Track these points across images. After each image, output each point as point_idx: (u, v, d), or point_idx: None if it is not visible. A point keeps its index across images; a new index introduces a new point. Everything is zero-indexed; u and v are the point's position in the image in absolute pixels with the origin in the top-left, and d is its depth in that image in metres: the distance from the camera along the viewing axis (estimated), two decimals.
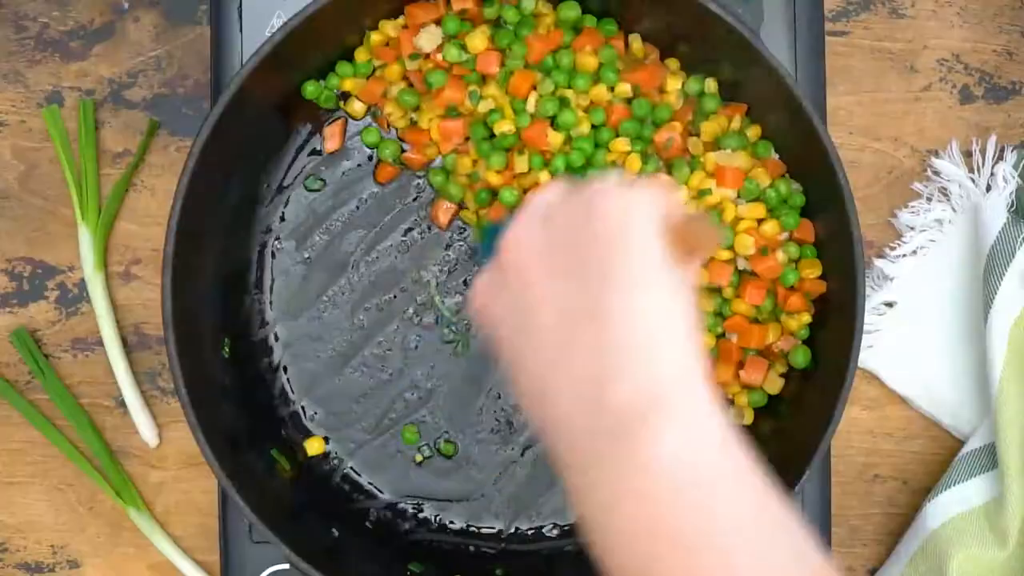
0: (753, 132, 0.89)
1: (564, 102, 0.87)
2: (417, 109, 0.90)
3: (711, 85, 0.89)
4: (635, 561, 0.56)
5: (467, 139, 0.89)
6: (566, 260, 0.61)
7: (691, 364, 0.58)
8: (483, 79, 0.88)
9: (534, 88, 0.87)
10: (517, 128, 0.87)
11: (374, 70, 0.90)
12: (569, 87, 0.88)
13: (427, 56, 0.88)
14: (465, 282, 0.92)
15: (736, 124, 0.89)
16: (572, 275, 0.60)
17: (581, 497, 0.59)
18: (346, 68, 0.90)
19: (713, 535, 0.55)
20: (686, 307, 0.60)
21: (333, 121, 0.92)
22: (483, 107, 0.88)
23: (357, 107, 0.91)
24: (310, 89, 0.90)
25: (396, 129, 0.91)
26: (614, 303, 0.59)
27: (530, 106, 0.87)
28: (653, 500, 0.56)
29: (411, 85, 0.90)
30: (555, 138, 0.87)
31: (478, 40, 0.87)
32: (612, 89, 0.88)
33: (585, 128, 0.88)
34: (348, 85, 0.90)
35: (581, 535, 0.59)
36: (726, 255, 0.88)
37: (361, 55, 0.90)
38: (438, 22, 0.88)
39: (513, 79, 0.87)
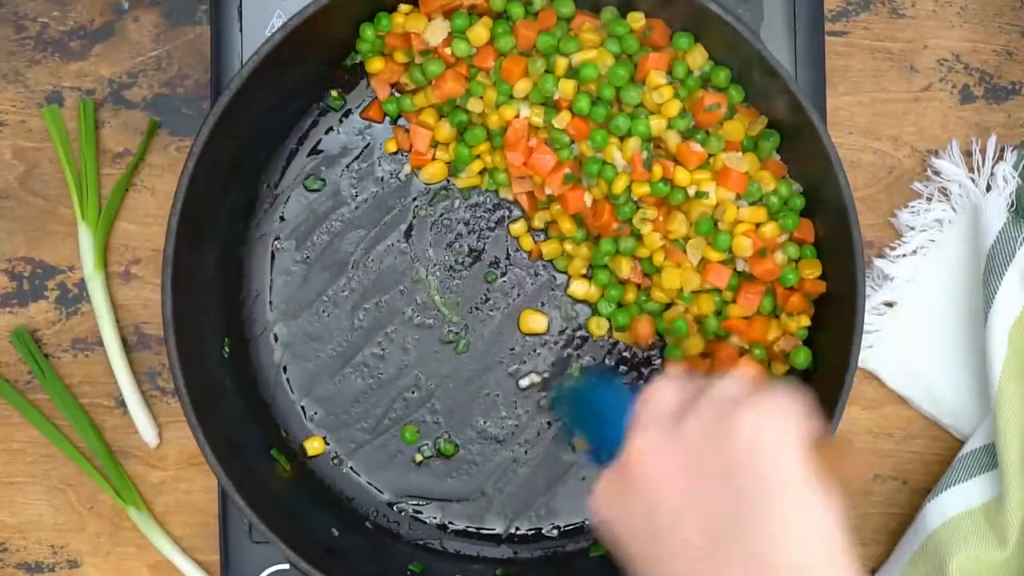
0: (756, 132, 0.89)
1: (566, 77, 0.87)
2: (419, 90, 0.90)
3: (722, 76, 0.88)
4: None
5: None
6: (704, 475, 0.60)
7: None
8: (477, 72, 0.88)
9: (526, 74, 0.87)
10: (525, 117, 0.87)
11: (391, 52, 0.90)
12: (575, 72, 0.87)
13: (434, 50, 0.88)
14: (461, 279, 0.92)
15: (756, 129, 0.88)
16: (712, 491, 0.60)
17: None
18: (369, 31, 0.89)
19: None
20: (836, 527, 0.60)
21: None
22: (473, 106, 0.88)
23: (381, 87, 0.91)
24: (368, 34, 0.89)
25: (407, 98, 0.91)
26: (763, 525, 0.59)
27: (519, 91, 0.87)
28: None
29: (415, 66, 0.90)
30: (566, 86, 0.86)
31: (480, 32, 0.87)
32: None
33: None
34: (376, 66, 0.90)
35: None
36: (722, 257, 0.87)
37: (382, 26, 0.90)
38: (447, 14, 0.88)
39: (504, 64, 0.86)
